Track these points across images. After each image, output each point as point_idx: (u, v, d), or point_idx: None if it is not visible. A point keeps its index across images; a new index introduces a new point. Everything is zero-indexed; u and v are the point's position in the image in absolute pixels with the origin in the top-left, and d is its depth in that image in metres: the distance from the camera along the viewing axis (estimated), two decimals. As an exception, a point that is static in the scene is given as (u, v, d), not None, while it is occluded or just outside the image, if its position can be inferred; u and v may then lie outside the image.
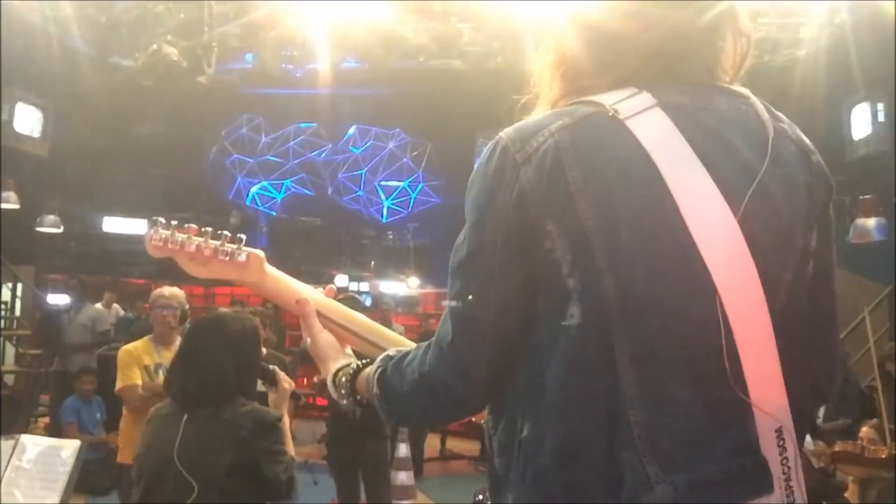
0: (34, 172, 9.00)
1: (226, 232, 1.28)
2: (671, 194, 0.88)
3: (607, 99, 0.95)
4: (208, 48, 7.78)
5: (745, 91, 1.02)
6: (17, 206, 8.41)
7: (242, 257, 1.26)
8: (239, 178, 14.13)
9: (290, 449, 2.34)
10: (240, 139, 14.12)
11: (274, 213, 14.09)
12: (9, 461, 2.58)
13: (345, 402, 1.17)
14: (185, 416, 2.24)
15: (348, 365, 1.19)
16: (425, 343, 1.04)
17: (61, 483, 2.57)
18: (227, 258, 1.26)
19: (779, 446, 0.86)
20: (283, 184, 14.14)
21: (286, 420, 2.37)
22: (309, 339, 1.28)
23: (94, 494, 5.60)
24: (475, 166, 1.01)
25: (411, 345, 1.17)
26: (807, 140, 1.03)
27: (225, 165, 14.14)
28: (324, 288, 1.36)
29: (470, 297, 0.96)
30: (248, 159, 14.08)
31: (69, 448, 2.67)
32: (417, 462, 6.80)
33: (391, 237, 13.20)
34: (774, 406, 0.86)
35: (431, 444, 7.35)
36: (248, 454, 2.18)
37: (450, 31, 8.39)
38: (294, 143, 14.09)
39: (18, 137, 7.98)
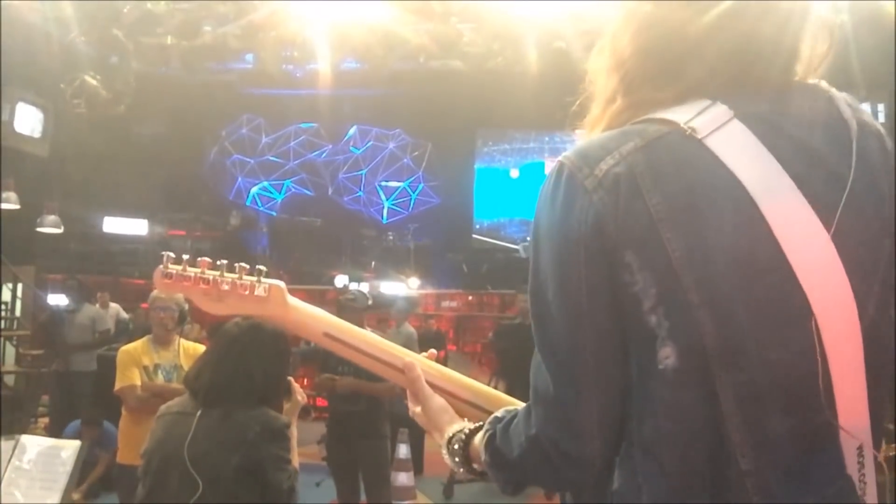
0: (34, 172, 9.01)
1: (242, 263, 1.18)
2: (763, 217, 0.82)
3: (680, 116, 0.88)
4: (126, 82, 8.01)
5: (823, 84, 0.95)
6: (17, 206, 8.41)
7: (262, 291, 1.16)
8: (239, 179, 14.14)
9: (296, 459, 2.34)
10: (240, 139, 14.14)
11: (274, 214, 14.10)
12: (9, 461, 2.58)
13: (461, 471, 1.08)
14: (198, 414, 2.25)
15: (461, 430, 1.09)
16: (527, 404, 0.95)
17: (61, 483, 2.57)
18: (246, 292, 1.16)
19: (858, 463, 0.85)
20: (283, 184, 14.16)
21: (294, 431, 2.37)
22: (418, 408, 1.18)
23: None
24: (539, 198, 0.92)
25: (519, 404, 1.07)
26: (882, 129, 0.94)
27: (225, 166, 14.16)
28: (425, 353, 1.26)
29: (564, 341, 0.87)
30: (248, 160, 14.10)
31: (69, 448, 2.67)
32: (449, 484, 6.43)
33: (391, 238, 13.21)
34: (860, 427, 0.85)
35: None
36: (254, 457, 2.18)
37: (450, 31, 8.40)
38: (294, 144, 14.11)
39: (18, 137, 7.99)
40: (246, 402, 2.27)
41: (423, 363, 1.20)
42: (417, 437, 6.75)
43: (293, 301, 1.20)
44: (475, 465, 1.06)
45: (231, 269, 1.17)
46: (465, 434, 1.08)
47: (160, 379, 3.74)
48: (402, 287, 11.78)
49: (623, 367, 0.86)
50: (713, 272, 0.81)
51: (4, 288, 9.87)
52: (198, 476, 2.15)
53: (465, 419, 1.13)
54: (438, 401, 1.16)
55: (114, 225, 12.30)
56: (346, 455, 4.48)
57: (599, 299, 0.85)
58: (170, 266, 1.16)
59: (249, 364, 2.32)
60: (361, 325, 4.83)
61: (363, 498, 4.59)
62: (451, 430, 1.10)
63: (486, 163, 13.81)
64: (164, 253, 1.17)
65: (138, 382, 3.70)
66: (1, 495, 2.50)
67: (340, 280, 11.81)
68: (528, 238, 0.97)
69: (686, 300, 0.81)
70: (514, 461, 0.94)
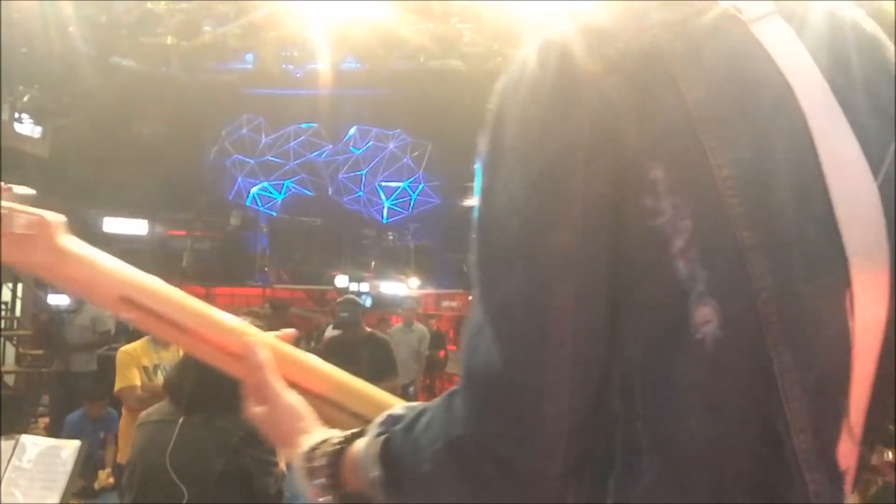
0: (34, 172, 9.02)
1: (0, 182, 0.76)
2: (813, 142, 0.60)
3: None
4: (75, 94, 8.27)
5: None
6: (17, 207, 8.41)
7: (24, 224, 0.73)
8: (239, 179, 14.15)
9: (283, 463, 2.33)
10: (240, 139, 14.16)
11: (274, 214, 14.10)
12: (9, 461, 2.58)
13: (326, 498, 0.69)
14: (180, 422, 2.24)
15: (327, 439, 0.72)
16: (444, 394, 0.64)
17: (61, 483, 2.57)
18: None
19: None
20: (283, 184, 14.17)
21: None
22: (261, 409, 0.79)
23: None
24: (503, 92, 0.63)
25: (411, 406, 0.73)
26: None
27: (225, 166, 14.17)
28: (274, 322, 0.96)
29: (532, 295, 0.57)
30: (248, 160, 14.11)
31: (69, 448, 2.67)
32: None
33: (391, 238, 13.22)
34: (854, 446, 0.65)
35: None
36: (239, 462, 2.17)
37: (450, 31, 8.42)
38: (294, 144, 14.11)
39: (18, 137, 8.00)
40: (228, 406, 2.24)
41: (277, 347, 0.83)
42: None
43: (74, 245, 0.78)
44: (348, 489, 0.69)
45: None
46: (335, 443, 0.71)
47: (160, 379, 3.74)
48: (403, 287, 11.78)
49: (607, 342, 0.58)
50: (771, 203, 0.57)
51: (4, 288, 9.88)
52: (182, 484, 2.13)
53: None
54: (292, 399, 0.79)
55: (114, 225, 12.30)
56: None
57: (598, 233, 0.57)
58: None
59: None
60: (360, 328, 4.71)
61: (363, 498, 4.59)
62: (311, 440, 0.73)
63: (486, 163, 13.84)
64: None
65: (138, 383, 3.71)
66: (1, 495, 2.50)
67: (341, 280, 11.82)
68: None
69: (736, 240, 0.56)
70: (424, 478, 0.62)
